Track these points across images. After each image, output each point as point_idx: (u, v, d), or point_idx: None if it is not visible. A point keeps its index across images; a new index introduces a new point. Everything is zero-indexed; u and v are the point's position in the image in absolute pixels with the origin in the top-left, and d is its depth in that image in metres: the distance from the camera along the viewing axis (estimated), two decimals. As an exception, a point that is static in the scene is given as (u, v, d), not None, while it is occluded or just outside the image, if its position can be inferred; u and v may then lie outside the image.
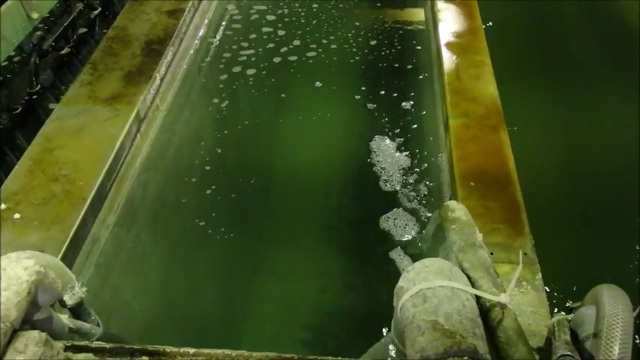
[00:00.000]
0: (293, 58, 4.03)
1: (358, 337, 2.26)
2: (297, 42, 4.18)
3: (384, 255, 2.61)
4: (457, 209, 1.86)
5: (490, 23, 3.66)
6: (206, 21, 4.27)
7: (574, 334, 1.55)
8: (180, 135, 3.42)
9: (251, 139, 3.42)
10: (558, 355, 1.42)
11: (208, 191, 3.07)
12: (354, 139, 3.31)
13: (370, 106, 3.51)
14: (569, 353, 1.41)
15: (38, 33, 3.40)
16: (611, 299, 1.45)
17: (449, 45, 3.24)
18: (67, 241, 2.23)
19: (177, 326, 2.52)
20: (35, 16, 3.39)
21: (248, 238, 2.84)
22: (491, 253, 2.00)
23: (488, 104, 2.77)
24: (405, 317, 1.55)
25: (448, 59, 3.11)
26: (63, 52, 3.48)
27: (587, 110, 3.50)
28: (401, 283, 1.64)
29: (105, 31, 3.62)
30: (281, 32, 4.30)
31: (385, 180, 2.95)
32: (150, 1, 3.84)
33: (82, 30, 3.69)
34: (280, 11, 4.55)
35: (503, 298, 1.54)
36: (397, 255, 2.57)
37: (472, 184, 2.34)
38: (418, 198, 2.83)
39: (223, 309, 2.60)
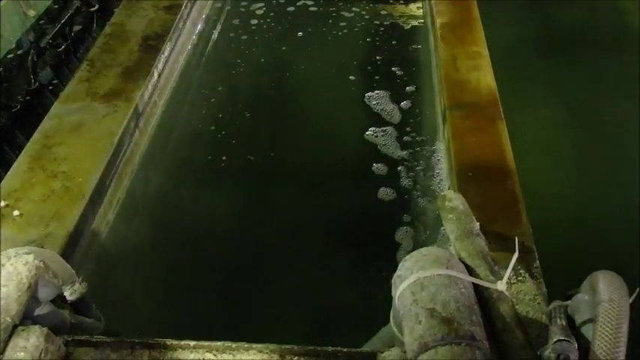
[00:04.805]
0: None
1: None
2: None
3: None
4: (454, 198, 1.86)
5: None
6: (203, 16, 4.27)
7: (572, 321, 1.56)
8: (179, 130, 3.43)
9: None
10: (554, 340, 1.43)
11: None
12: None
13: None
14: (564, 338, 1.42)
15: (36, 30, 3.41)
16: (606, 285, 1.46)
17: (446, 36, 3.23)
18: (67, 237, 2.24)
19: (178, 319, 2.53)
20: (32, 13, 3.39)
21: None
22: (490, 242, 2.00)
23: (485, 95, 2.78)
24: (402, 306, 1.55)
25: (445, 51, 3.11)
26: (61, 49, 3.49)
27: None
28: (398, 272, 1.65)
29: (108, 22, 3.62)
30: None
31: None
32: (146, -3, 3.83)
33: (79, 27, 3.70)
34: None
35: (500, 285, 1.55)
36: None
37: (470, 174, 2.35)
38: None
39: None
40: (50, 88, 3.34)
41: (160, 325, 2.38)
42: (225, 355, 1.76)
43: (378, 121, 3.42)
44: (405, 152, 3.18)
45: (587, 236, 2.74)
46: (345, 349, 1.74)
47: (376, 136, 3.29)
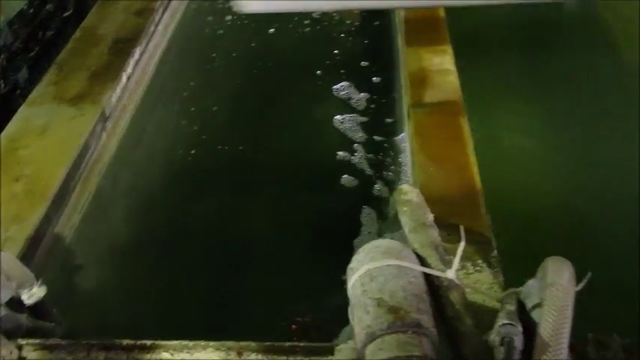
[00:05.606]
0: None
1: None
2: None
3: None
4: (409, 192, 1.88)
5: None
6: (177, 19, 4.26)
7: (524, 307, 1.57)
8: (149, 133, 3.42)
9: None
10: (499, 324, 1.44)
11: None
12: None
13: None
14: (508, 322, 1.43)
15: (5, 34, 3.39)
16: (554, 269, 1.48)
17: (412, 35, 3.27)
18: (27, 241, 2.22)
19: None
20: (1, 18, 3.37)
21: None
22: (449, 234, 2.01)
23: (449, 92, 2.80)
24: (354, 297, 1.56)
25: (411, 49, 3.14)
26: (32, 53, 3.48)
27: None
28: (351, 264, 1.65)
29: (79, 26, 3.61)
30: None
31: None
32: (119, 1, 3.82)
33: (52, 31, 3.69)
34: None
35: (449, 274, 1.56)
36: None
37: (431, 169, 2.36)
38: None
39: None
40: (19, 92, 3.33)
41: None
42: (182, 355, 1.75)
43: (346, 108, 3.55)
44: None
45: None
46: (302, 344, 1.73)
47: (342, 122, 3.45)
